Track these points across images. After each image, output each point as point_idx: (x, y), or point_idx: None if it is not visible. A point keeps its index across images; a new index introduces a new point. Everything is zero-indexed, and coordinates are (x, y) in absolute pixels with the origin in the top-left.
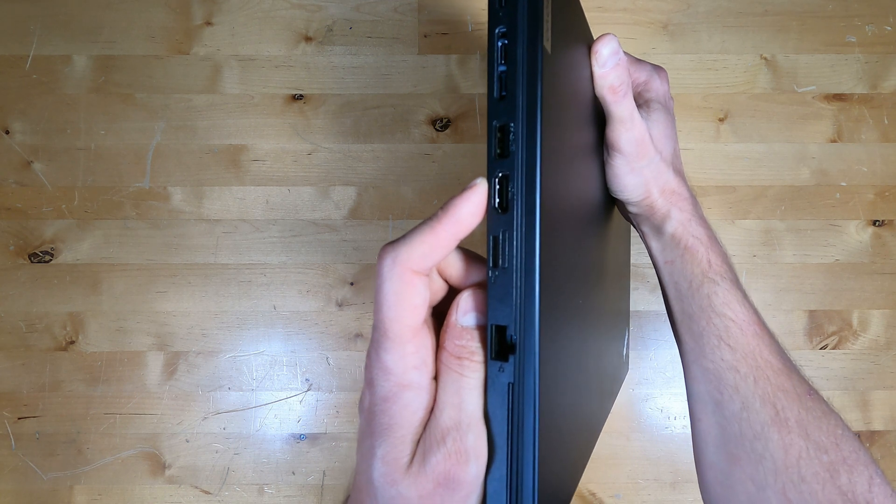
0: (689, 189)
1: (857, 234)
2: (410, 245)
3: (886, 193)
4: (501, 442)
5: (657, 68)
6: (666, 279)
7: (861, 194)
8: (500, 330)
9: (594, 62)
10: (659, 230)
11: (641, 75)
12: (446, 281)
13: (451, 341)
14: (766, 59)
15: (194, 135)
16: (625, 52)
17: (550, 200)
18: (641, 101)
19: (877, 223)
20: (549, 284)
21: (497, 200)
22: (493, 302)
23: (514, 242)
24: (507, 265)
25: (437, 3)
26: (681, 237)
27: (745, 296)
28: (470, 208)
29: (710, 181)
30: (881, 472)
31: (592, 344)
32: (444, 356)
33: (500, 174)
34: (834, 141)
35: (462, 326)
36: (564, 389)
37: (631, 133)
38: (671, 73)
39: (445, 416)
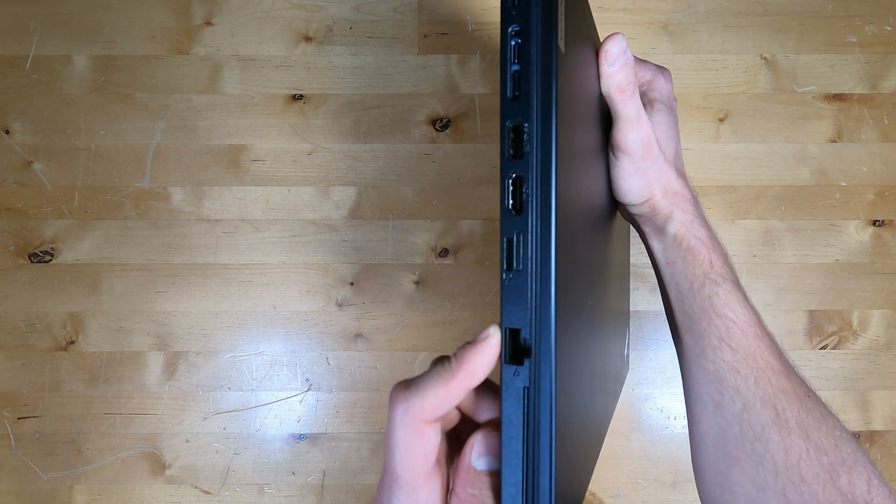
0: (691, 190)
1: (857, 234)
2: (423, 396)
3: (886, 193)
4: (517, 446)
5: (661, 68)
6: (667, 280)
7: (861, 194)
8: (514, 333)
9: (603, 61)
10: (661, 231)
11: (646, 75)
12: (458, 409)
13: (464, 488)
14: (766, 59)
15: (194, 135)
16: None
17: (564, 201)
18: (645, 101)
19: (877, 223)
20: (562, 286)
21: (511, 202)
22: (507, 305)
23: (529, 244)
24: (521, 267)
25: (437, 3)
26: (683, 238)
27: (745, 297)
28: (484, 361)
29: (711, 181)
30: (879, 474)
31: (599, 345)
32: (455, 503)
33: (514, 175)
34: (834, 141)
35: (476, 471)
36: (577, 392)
37: (637, 133)
38: (671, 73)
39: None
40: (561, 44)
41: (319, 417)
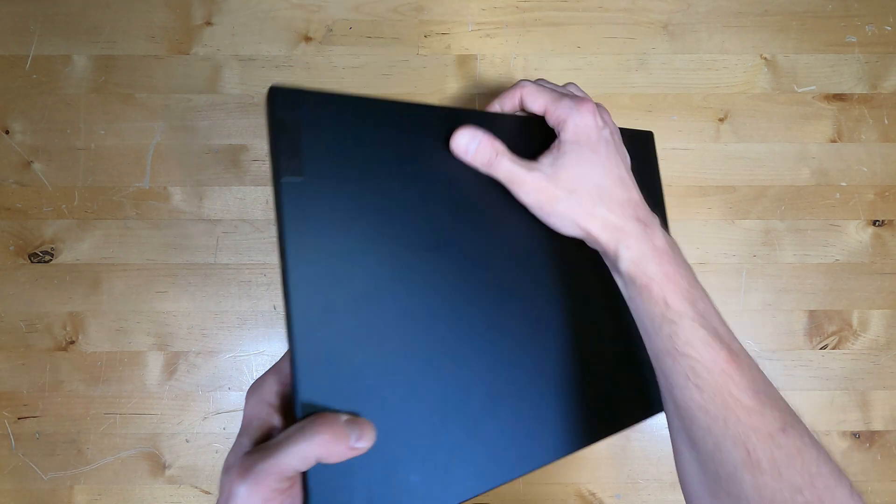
0: (640, 220)
1: (857, 234)
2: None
3: (886, 193)
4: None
5: (579, 102)
6: (633, 315)
7: (861, 194)
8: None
9: (460, 157)
10: (615, 267)
11: (561, 113)
12: None
13: None
14: (766, 59)
15: (194, 135)
16: (550, 86)
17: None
18: (553, 142)
19: (877, 223)
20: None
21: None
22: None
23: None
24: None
25: (437, 3)
26: (635, 276)
27: (708, 332)
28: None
29: (710, 181)
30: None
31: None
32: None
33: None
34: (834, 141)
35: None
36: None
37: (522, 188)
38: (671, 73)
39: None
40: (295, 175)
41: None
